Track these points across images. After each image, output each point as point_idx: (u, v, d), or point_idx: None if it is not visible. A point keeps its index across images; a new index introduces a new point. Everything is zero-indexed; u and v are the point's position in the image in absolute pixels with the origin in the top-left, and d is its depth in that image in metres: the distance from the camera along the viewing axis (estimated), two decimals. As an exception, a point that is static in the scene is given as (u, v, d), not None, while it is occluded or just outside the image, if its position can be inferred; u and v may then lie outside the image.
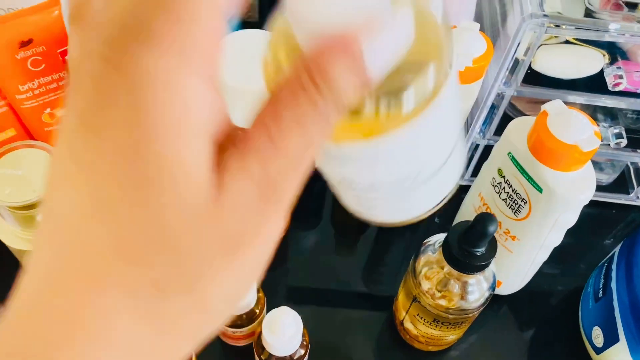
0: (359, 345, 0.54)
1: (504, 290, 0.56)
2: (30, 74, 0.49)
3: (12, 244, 0.41)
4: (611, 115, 0.57)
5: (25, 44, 0.47)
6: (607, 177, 0.64)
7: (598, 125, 0.57)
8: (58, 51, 0.46)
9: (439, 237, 0.46)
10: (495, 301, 0.56)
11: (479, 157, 0.60)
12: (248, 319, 0.49)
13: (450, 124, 0.22)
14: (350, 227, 0.63)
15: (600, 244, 0.63)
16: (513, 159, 0.45)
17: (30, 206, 0.38)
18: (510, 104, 0.58)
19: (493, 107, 0.54)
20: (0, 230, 0.41)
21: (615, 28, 0.46)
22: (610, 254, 0.54)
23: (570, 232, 0.55)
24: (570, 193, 0.43)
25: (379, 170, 0.22)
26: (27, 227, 0.40)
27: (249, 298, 0.47)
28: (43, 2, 0.46)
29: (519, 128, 0.45)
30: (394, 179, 0.22)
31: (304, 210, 0.63)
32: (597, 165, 0.64)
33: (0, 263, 0.55)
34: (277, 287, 0.56)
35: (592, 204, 0.64)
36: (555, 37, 0.52)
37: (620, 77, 0.49)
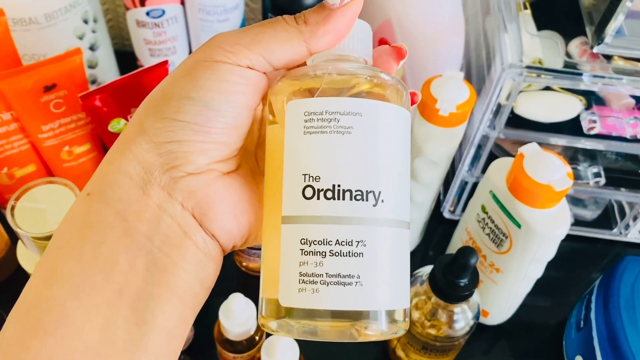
0: (354, 371, 0.57)
1: (492, 320, 0.59)
2: (52, 116, 0.53)
3: (32, 270, 0.45)
4: (591, 156, 0.61)
5: (49, 88, 0.51)
6: (591, 214, 0.67)
7: (579, 165, 0.61)
8: (78, 95, 0.50)
9: (427, 269, 0.50)
10: (483, 331, 0.59)
11: (468, 194, 0.63)
12: (248, 344, 0.52)
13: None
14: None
15: (587, 278, 0.66)
16: (494, 197, 0.49)
17: (51, 237, 0.42)
18: (496, 145, 0.62)
19: (479, 148, 0.58)
20: (23, 258, 0.45)
21: (589, 77, 0.51)
22: (591, 287, 0.57)
23: (557, 266, 0.58)
24: (546, 229, 0.46)
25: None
26: (47, 256, 0.44)
27: (249, 324, 0.50)
28: (67, 51, 0.51)
29: (500, 168, 0.49)
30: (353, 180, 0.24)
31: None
32: (580, 203, 0.68)
33: (21, 289, 0.59)
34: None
35: (578, 239, 0.68)
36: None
37: (594, 121, 0.53)
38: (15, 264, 0.60)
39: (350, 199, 0.24)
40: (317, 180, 0.24)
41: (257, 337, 0.52)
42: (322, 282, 0.24)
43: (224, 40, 0.25)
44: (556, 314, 0.63)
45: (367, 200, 0.24)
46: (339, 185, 0.24)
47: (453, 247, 0.60)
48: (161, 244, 0.24)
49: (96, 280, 0.23)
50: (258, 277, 0.65)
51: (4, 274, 0.59)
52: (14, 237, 0.60)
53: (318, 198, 0.24)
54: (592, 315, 0.53)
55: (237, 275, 0.63)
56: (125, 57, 0.74)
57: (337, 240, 0.24)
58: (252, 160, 0.29)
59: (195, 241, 0.25)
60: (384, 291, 0.24)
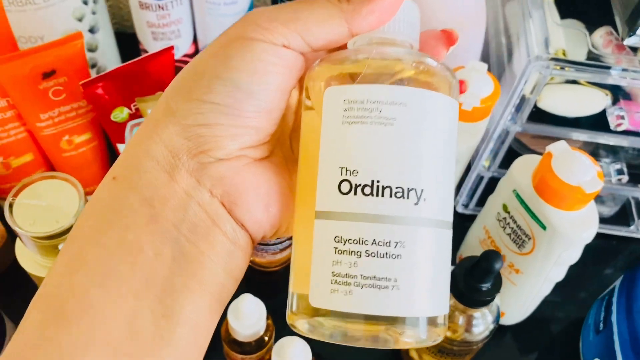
0: (364, 372, 0.55)
1: (507, 320, 0.57)
2: (51, 104, 0.50)
3: (33, 270, 0.43)
4: (613, 151, 0.58)
5: (48, 75, 0.48)
6: (609, 210, 0.65)
7: (600, 161, 0.59)
8: (80, 83, 0.47)
9: (445, 270, 0.48)
10: (497, 330, 0.58)
11: (484, 188, 0.61)
12: (257, 345, 0.50)
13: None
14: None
15: (601, 275, 0.65)
16: (518, 197, 0.47)
17: (53, 236, 0.39)
18: (515, 139, 0.59)
19: (498, 142, 0.55)
20: (22, 257, 0.43)
21: (618, 71, 0.48)
22: (611, 287, 0.55)
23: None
24: (573, 231, 0.44)
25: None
26: (47, 255, 0.41)
27: (258, 325, 0.48)
28: (68, 35, 0.48)
29: (524, 166, 0.47)
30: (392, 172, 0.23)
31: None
32: (598, 199, 0.66)
33: (21, 289, 0.57)
34: (284, 313, 0.57)
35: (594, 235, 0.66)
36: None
37: (622, 117, 0.51)
38: (12, 257, 0.58)
39: (390, 196, 0.22)
40: (354, 174, 0.22)
41: (266, 338, 0.50)
42: (356, 283, 0.22)
43: (260, 16, 0.23)
44: (571, 312, 0.61)
45: (408, 198, 0.22)
46: (378, 181, 0.22)
47: (467, 244, 0.58)
48: (188, 232, 0.22)
49: (121, 268, 0.22)
50: (266, 273, 0.63)
51: (0, 267, 0.57)
52: (10, 231, 0.57)
53: (355, 194, 0.22)
54: (614, 317, 0.51)
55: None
56: (125, 39, 0.71)
57: (374, 240, 0.22)
58: (286, 147, 0.27)
59: (224, 230, 0.23)
60: (422, 296, 0.22)
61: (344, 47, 0.25)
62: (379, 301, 0.22)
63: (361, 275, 0.22)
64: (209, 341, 0.24)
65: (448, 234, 0.24)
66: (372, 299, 0.22)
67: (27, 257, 0.42)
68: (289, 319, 0.24)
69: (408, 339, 0.23)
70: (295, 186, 0.25)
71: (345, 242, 0.22)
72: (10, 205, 0.39)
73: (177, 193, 0.23)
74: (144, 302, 0.22)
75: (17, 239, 0.42)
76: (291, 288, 0.24)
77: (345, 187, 0.22)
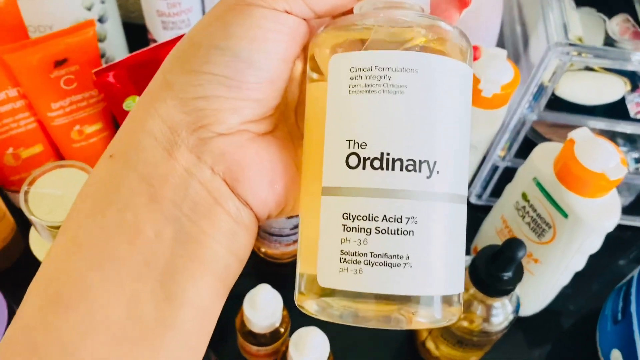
0: (380, 364, 0.55)
1: (524, 311, 0.56)
2: (63, 93, 0.50)
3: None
4: (630, 140, 0.58)
5: (59, 63, 0.48)
6: (624, 200, 0.65)
7: (617, 149, 0.58)
8: (93, 71, 0.47)
9: (466, 259, 0.47)
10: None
11: (498, 178, 0.60)
12: (272, 337, 0.50)
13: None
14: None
15: (616, 266, 0.64)
16: (538, 184, 0.46)
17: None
18: (531, 128, 0.59)
19: (515, 131, 0.55)
20: (36, 247, 0.42)
21: (639, 57, 0.47)
22: (628, 277, 0.54)
23: (586, 254, 0.56)
24: (596, 219, 0.43)
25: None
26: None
27: (275, 316, 0.47)
28: (80, 23, 0.47)
29: (544, 154, 0.46)
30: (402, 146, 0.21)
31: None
32: (613, 188, 0.65)
33: (31, 274, 0.56)
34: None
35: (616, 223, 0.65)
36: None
37: (643, 105, 0.50)
38: (22, 249, 0.57)
39: (401, 170, 0.21)
40: (362, 147, 0.21)
41: (282, 330, 0.50)
42: (366, 262, 0.21)
43: None
44: (586, 304, 0.60)
45: (420, 171, 0.21)
46: (388, 154, 0.21)
47: (483, 235, 0.57)
48: (190, 211, 0.21)
49: (120, 250, 0.21)
50: (278, 265, 0.62)
51: (11, 259, 0.56)
52: (19, 222, 0.56)
53: (364, 168, 0.21)
54: (633, 308, 0.51)
55: (254, 262, 0.60)
56: (131, 30, 0.70)
57: (385, 216, 0.21)
58: (291, 121, 0.26)
59: (226, 209, 0.22)
60: (436, 274, 0.21)
61: (349, 12, 0.24)
62: (391, 280, 0.21)
63: (371, 253, 0.21)
64: (214, 325, 0.23)
65: (463, 209, 0.23)
66: (383, 278, 0.21)
67: (41, 246, 0.42)
68: (298, 300, 0.23)
69: (422, 319, 0.22)
70: (301, 162, 0.24)
71: (354, 219, 0.21)
72: (26, 195, 0.39)
73: (177, 171, 0.22)
74: (145, 285, 0.21)
75: (31, 228, 0.42)
76: (299, 269, 0.24)
77: (353, 160, 0.21)
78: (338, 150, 0.22)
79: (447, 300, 0.22)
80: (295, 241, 0.56)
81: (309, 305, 0.22)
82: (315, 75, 0.23)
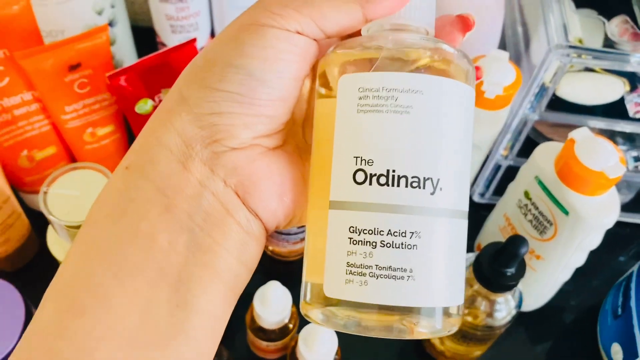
0: (386, 359, 0.56)
1: (526, 307, 0.57)
2: (76, 96, 0.51)
3: (63, 258, 0.43)
4: (629, 138, 0.59)
5: (74, 67, 0.49)
6: (623, 197, 0.66)
7: (617, 148, 0.59)
8: (107, 74, 0.48)
9: (468, 256, 0.48)
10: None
11: (501, 177, 0.62)
12: (281, 333, 0.51)
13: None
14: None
15: (616, 262, 0.65)
16: (540, 183, 0.47)
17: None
18: (533, 127, 0.60)
19: (517, 131, 0.56)
20: (53, 245, 0.43)
21: (638, 58, 0.49)
22: (628, 273, 0.56)
23: (587, 250, 0.57)
24: (595, 216, 0.45)
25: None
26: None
27: (284, 313, 0.49)
28: (93, 29, 0.49)
29: (546, 153, 0.47)
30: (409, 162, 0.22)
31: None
32: (613, 186, 0.66)
33: (46, 279, 0.57)
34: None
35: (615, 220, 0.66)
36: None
37: (641, 104, 0.52)
38: (37, 248, 0.58)
39: (406, 186, 0.22)
40: (369, 164, 0.22)
41: (290, 326, 0.51)
42: (371, 274, 0.22)
43: (273, 1, 0.23)
44: (586, 299, 0.62)
45: (424, 187, 0.22)
46: (393, 171, 0.22)
47: (487, 232, 0.58)
48: (202, 222, 0.23)
49: (135, 258, 0.22)
50: (285, 263, 0.64)
51: (25, 258, 0.57)
52: (33, 222, 0.58)
53: (370, 183, 0.22)
54: (632, 302, 0.52)
55: (262, 260, 0.62)
56: (139, 33, 0.72)
57: (390, 230, 0.22)
58: (299, 135, 0.27)
59: (238, 220, 0.23)
60: (438, 287, 0.22)
61: (357, 33, 0.25)
62: (395, 291, 0.22)
63: (376, 265, 0.22)
64: (223, 331, 0.24)
65: (464, 224, 0.24)
66: (388, 290, 0.22)
67: (59, 246, 0.43)
68: (303, 308, 0.24)
69: (423, 329, 0.23)
70: (309, 175, 0.25)
71: (360, 233, 0.22)
72: (45, 195, 0.40)
73: (191, 183, 0.23)
74: (159, 292, 0.22)
75: (49, 228, 0.43)
76: (305, 277, 0.24)
77: (360, 176, 0.22)
78: (346, 166, 0.23)
79: (447, 311, 0.23)
80: (302, 240, 0.58)
81: (314, 314, 0.24)
82: (324, 91, 0.24)
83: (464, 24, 0.26)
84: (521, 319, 0.59)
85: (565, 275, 0.52)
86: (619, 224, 0.67)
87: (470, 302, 0.48)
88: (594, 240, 0.47)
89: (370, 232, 0.22)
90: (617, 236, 0.67)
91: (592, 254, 0.64)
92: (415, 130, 0.22)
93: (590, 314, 0.60)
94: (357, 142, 0.23)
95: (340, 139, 0.23)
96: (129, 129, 0.57)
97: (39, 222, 0.43)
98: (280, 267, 0.61)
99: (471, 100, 0.24)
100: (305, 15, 0.23)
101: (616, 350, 0.53)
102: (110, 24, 0.61)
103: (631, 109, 0.51)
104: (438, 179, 0.22)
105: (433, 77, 0.23)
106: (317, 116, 0.25)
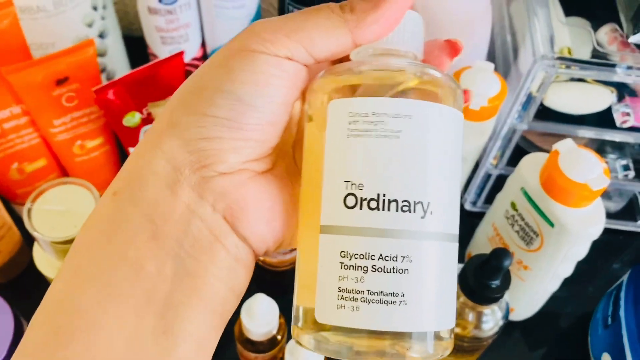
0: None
1: (516, 316, 0.57)
2: (64, 109, 0.51)
3: (50, 274, 0.43)
4: (619, 147, 0.59)
5: (61, 81, 0.49)
6: (615, 205, 0.66)
7: (606, 157, 0.59)
8: (93, 89, 0.48)
9: (455, 268, 0.48)
10: (507, 326, 0.58)
11: (492, 185, 0.62)
12: (270, 344, 0.51)
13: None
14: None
15: (609, 270, 0.65)
16: (526, 194, 0.47)
17: (71, 241, 0.40)
18: (523, 137, 0.60)
19: (506, 140, 0.56)
20: (40, 261, 0.44)
21: (623, 69, 0.49)
22: (619, 282, 0.56)
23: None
24: (580, 228, 0.45)
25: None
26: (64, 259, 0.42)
27: (271, 324, 0.49)
28: (80, 43, 0.49)
29: (532, 164, 0.47)
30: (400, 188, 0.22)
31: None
32: (605, 194, 0.66)
33: (37, 291, 0.58)
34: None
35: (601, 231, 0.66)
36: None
37: (628, 114, 0.51)
38: (27, 261, 0.59)
39: (396, 210, 0.22)
40: (360, 188, 0.22)
41: (278, 337, 0.51)
42: (363, 299, 0.22)
43: (263, 27, 0.23)
44: (579, 307, 0.62)
45: (414, 212, 0.22)
46: (384, 195, 0.22)
47: (476, 242, 0.58)
48: (190, 248, 0.22)
49: (122, 285, 0.22)
50: (276, 273, 0.64)
51: (16, 271, 0.58)
52: (25, 234, 0.58)
53: (361, 208, 0.22)
54: (622, 312, 0.52)
55: (255, 270, 0.62)
56: (133, 43, 0.72)
57: (381, 254, 0.22)
58: (288, 158, 0.27)
59: (226, 246, 0.23)
60: (429, 311, 0.22)
61: (346, 58, 0.25)
62: (387, 317, 0.22)
63: (368, 290, 0.22)
64: (212, 355, 0.24)
65: (454, 247, 0.24)
66: (380, 315, 0.22)
67: (45, 261, 0.43)
68: (294, 334, 0.24)
69: (415, 354, 0.23)
70: (299, 199, 0.25)
71: (351, 257, 0.22)
72: (29, 211, 0.40)
73: (179, 208, 0.22)
74: (145, 320, 0.22)
75: (35, 243, 0.43)
76: (296, 301, 0.24)
77: (350, 201, 0.22)
78: (336, 190, 0.23)
79: (439, 335, 0.23)
80: (292, 250, 0.58)
81: (306, 341, 0.23)
82: (313, 117, 0.25)
83: (452, 48, 0.26)
84: (513, 327, 0.59)
85: (554, 285, 0.52)
86: (612, 231, 0.67)
87: (458, 314, 0.48)
88: (580, 251, 0.47)
89: (362, 256, 0.22)
90: (610, 244, 0.67)
91: (587, 263, 0.64)
92: (405, 155, 0.22)
93: (583, 323, 0.60)
94: (347, 167, 0.23)
95: (330, 163, 0.23)
96: (119, 141, 0.57)
97: (30, 234, 0.43)
98: (270, 277, 0.61)
99: (460, 123, 0.24)
100: (295, 41, 0.23)
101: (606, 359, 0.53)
102: (101, 35, 0.62)
103: (618, 119, 0.51)
104: (428, 203, 0.22)
105: (421, 101, 0.23)
106: (306, 140, 0.25)
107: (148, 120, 0.52)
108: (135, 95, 0.50)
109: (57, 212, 0.41)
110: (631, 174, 0.57)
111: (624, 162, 0.57)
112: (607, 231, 0.66)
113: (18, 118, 0.52)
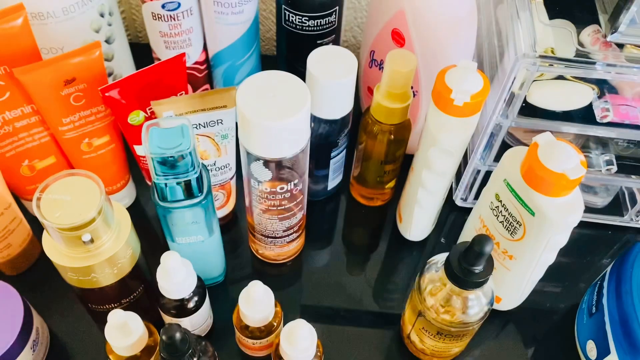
0: (368, 357, 0.58)
1: (504, 306, 0.60)
2: (72, 109, 0.54)
3: (58, 260, 0.46)
4: (602, 143, 0.61)
5: (69, 82, 0.52)
6: (602, 200, 0.68)
7: (590, 153, 0.61)
8: (99, 89, 0.51)
9: (442, 257, 0.51)
10: (496, 317, 0.60)
11: (481, 181, 0.64)
12: (267, 331, 0.53)
13: None
14: (361, 247, 0.68)
15: (597, 263, 0.67)
16: (508, 185, 0.50)
17: (76, 228, 0.43)
18: (509, 133, 0.62)
19: (492, 136, 0.58)
20: (48, 248, 0.46)
21: (602, 66, 0.51)
22: (603, 273, 0.58)
23: (568, 252, 0.59)
24: (559, 216, 0.47)
25: None
26: (71, 246, 0.45)
27: (267, 310, 0.51)
28: (87, 45, 0.52)
29: (513, 157, 0.50)
30: None
31: (318, 231, 0.67)
32: (591, 190, 0.68)
33: (47, 284, 0.61)
34: (293, 303, 0.61)
35: (589, 225, 0.69)
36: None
37: (607, 110, 0.54)
38: (38, 253, 0.62)
39: None
40: None
41: (275, 324, 0.54)
42: None
43: None
44: (567, 299, 0.64)
45: None
46: None
47: (466, 235, 0.61)
48: None
49: None
50: (274, 265, 0.66)
51: (27, 263, 0.61)
52: (35, 228, 0.61)
53: None
54: (604, 300, 0.54)
55: (253, 263, 0.65)
56: (140, 50, 0.75)
57: None
58: None
59: None
60: None
61: None
62: None
63: None
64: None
65: None
66: None
67: (53, 249, 0.46)
68: None
69: None
70: None
71: None
72: (38, 200, 0.43)
73: None
74: None
75: (44, 232, 0.46)
76: None
77: None
78: None
79: None
80: (289, 242, 0.60)
81: None
82: None
83: None
84: (504, 318, 0.61)
85: (539, 273, 0.54)
86: (600, 226, 0.69)
87: (446, 301, 0.50)
88: (561, 239, 0.49)
89: None
90: (598, 239, 0.69)
91: (575, 256, 0.67)
92: None
93: (572, 314, 0.62)
94: None
95: None
96: (125, 138, 0.60)
97: (40, 228, 0.46)
98: (269, 269, 0.64)
99: None
100: None
101: (591, 347, 0.55)
102: (108, 41, 0.65)
103: (598, 114, 0.54)
104: None
105: None
106: None
107: (151, 118, 0.55)
108: (139, 94, 0.53)
109: (64, 202, 0.43)
110: (614, 168, 0.59)
111: (607, 157, 0.59)
112: (596, 226, 0.69)
113: (29, 117, 0.56)
